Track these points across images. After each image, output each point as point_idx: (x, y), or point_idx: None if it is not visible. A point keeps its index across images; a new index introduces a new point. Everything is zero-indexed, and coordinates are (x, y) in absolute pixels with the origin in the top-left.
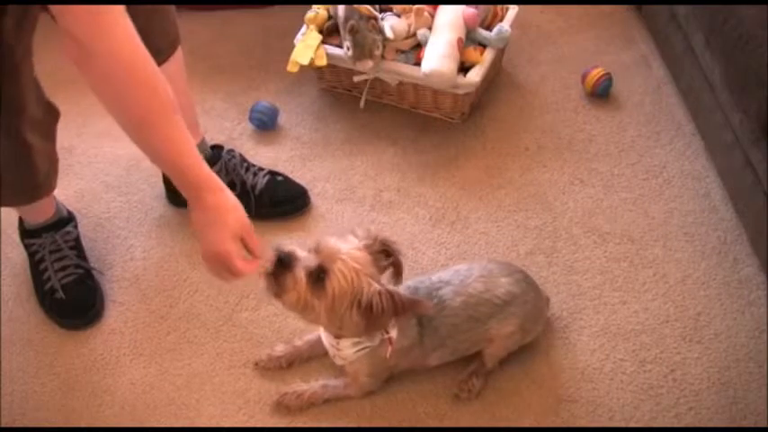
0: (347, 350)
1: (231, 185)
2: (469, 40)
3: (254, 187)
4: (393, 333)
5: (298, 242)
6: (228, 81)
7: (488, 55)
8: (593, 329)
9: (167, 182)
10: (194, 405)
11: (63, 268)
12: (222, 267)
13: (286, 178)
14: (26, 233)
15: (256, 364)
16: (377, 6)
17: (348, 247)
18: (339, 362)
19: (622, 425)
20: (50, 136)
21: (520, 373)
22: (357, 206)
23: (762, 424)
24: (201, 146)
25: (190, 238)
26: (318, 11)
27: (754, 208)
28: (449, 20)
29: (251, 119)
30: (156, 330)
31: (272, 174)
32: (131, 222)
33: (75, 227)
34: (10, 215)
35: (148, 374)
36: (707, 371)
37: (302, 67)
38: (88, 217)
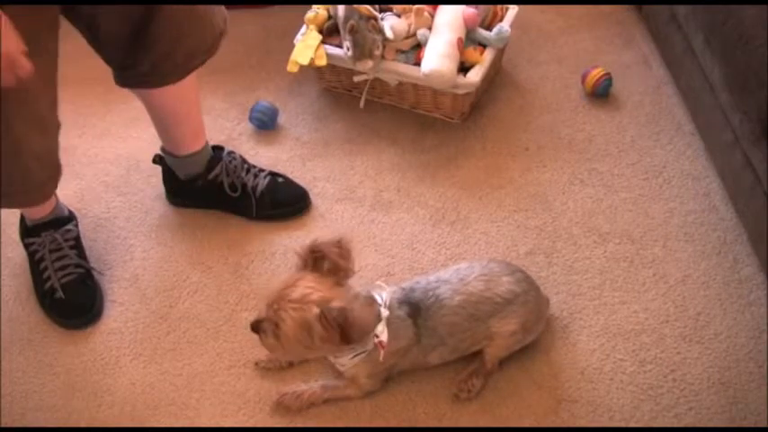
0: (344, 358)
1: (232, 187)
2: (469, 40)
3: (254, 189)
4: (383, 336)
5: (296, 242)
6: (228, 81)
7: (488, 55)
8: (594, 329)
9: (167, 182)
10: (194, 405)
11: (63, 267)
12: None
13: (287, 180)
14: (26, 232)
15: (256, 364)
16: (377, 6)
17: (288, 287)
18: (339, 368)
19: (622, 425)
20: (48, 142)
21: (520, 373)
22: (357, 206)
23: (762, 424)
24: (204, 150)
25: (190, 238)
26: (318, 11)
27: (754, 208)
28: (449, 20)
29: (251, 119)
30: (155, 330)
31: (273, 175)
32: (131, 222)
33: (76, 226)
34: (10, 215)
35: (148, 374)
36: (707, 371)
37: (302, 67)
38: (88, 217)
